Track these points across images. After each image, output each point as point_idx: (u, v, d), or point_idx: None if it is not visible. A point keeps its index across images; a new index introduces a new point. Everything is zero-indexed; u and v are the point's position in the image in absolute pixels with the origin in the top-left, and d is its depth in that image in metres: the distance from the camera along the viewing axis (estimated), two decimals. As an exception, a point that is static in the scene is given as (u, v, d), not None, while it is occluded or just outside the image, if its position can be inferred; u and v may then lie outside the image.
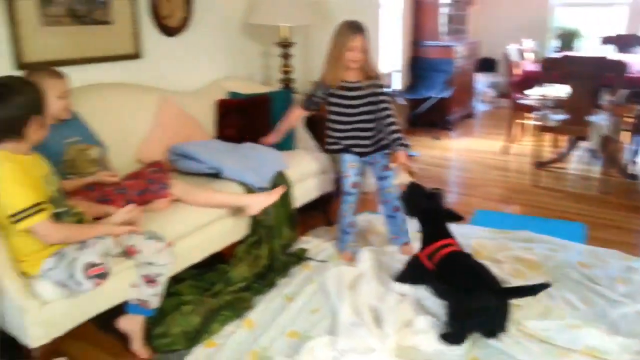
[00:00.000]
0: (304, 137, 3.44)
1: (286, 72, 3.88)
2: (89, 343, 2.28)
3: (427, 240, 2.55)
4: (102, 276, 1.95)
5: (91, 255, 1.93)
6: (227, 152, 2.91)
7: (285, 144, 3.30)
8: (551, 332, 2.28)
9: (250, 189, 2.74)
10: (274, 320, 2.41)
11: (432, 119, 6.14)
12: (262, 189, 2.77)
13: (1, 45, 2.47)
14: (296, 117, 3.14)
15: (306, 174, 3.20)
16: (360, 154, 2.95)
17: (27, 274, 1.91)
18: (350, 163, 2.93)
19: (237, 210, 2.68)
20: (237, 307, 2.46)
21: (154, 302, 2.15)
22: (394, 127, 2.85)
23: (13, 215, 1.79)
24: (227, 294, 2.52)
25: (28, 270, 1.90)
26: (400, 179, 2.84)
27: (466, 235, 3.22)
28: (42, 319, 1.87)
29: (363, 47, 2.75)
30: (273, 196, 2.73)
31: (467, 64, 6.68)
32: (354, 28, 2.75)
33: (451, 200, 4.07)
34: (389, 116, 2.86)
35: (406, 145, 2.84)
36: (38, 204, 1.81)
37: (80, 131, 2.48)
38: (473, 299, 2.18)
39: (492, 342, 2.24)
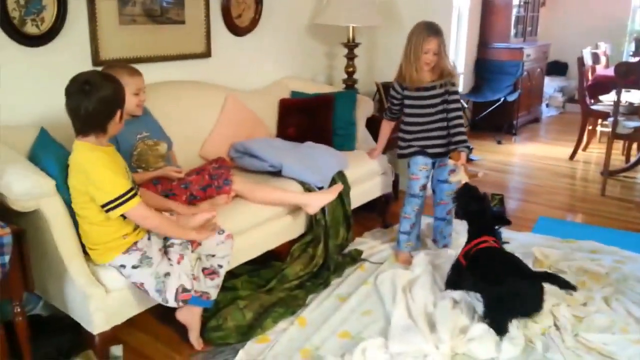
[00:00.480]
0: (364, 137, 3.45)
1: (350, 73, 3.90)
2: (146, 333, 2.37)
3: (468, 241, 2.58)
4: (187, 302, 2.06)
5: (185, 279, 2.04)
6: (288, 150, 2.95)
7: (346, 144, 3.32)
8: (613, 347, 2.19)
9: (309, 188, 2.77)
10: (326, 320, 2.42)
11: (496, 122, 5.99)
12: (321, 189, 2.80)
13: (82, 41, 2.61)
14: (388, 130, 3.15)
15: (365, 174, 3.21)
16: (433, 155, 2.92)
17: (94, 262, 2.01)
18: (421, 165, 2.92)
19: (295, 209, 2.72)
20: (291, 305, 2.50)
21: (214, 294, 2.21)
22: (460, 129, 2.83)
23: (110, 202, 1.86)
24: (281, 291, 2.57)
25: (96, 258, 2.00)
26: (457, 178, 2.81)
27: (528, 243, 3.15)
28: (105, 307, 1.95)
29: (439, 50, 2.72)
30: (331, 194, 2.75)
31: (536, 67, 6.48)
32: (430, 30, 2.72)
33: (513, 206, 3.97)
34: (458, 117, 2.84)
35: (469, 148, 2.85)
36: (132, 189, 1.90)
37: (150, 126, 2.58)
38: (503, 286, 2.25)
39: (550, 354, 2.18)
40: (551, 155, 5.36)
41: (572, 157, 5.19)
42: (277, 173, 2.80)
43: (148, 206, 1.99)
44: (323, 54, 4.13)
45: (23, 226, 1.89)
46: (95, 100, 1.83)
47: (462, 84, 6.04)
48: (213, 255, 2.19)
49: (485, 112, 5.93)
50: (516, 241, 3.18)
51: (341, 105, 3.36)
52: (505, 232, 3.25)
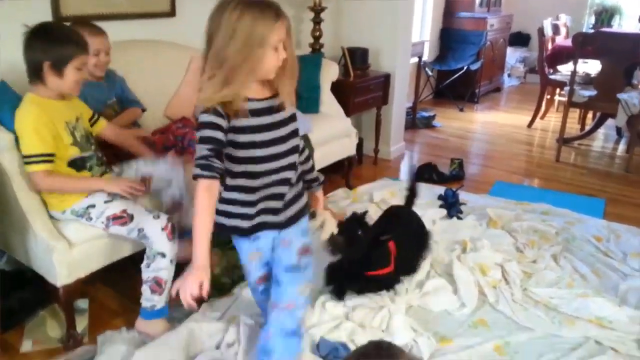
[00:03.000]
0: (329, 100, 3.49)
1: (316, 37, 3.90)
2: (113, 288, 2.41)
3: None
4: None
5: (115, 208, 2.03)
6: (252, 112, 2.97)
7: (311, 107, 3.36)
8: (559, 300, 2.33)
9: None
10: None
11: (459, 91, 6.10)
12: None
13: (41, -3, 2.56)
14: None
15: (329, 137, 3.26)
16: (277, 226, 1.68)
17: (56, 209, 2.01)
18: (256, 251, 1.70)
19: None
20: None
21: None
22: (312, 162, 1.90)
23: (24, 157, 1.90)
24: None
25: (57, 205, 2.01)
26: (326, 229, 1.94)
27: (483, 205, 3.27)
28: (68, 260, 1.97)
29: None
30: None
31: (499, 37, 6.59)
32: (273, 10, 1.54)
33: (472, 171, 4.10)
34: (304, 149, 1.84)
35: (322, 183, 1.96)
36: (43, 155, 1.90)
37: (119, 93, 2.57)
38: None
39: (499, 307, 2.31)
40: (510, 123, 5.52)
41: (530, 124, 5.35)
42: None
43: (55, 173, 1.95)
44: (290, 17, 4.10)
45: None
46: (26, 50, 1.88)
47: (428, 53, 6.11)
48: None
49: (448, 81, 6.03)
50: (473, 203, 3.32)
51: (306, 68, 3.38)
52: (463, 194, 3.41)
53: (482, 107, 6.22)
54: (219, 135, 1.48)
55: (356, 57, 3.87)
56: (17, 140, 1.95)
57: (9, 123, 1.96)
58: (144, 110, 2.66)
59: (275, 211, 1.65)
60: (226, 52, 1.45)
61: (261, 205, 1.62)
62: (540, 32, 5.21)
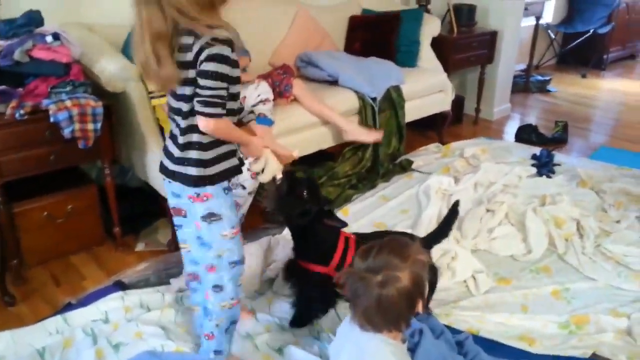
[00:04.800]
0: (428, 55, 3.56)
1: (424, -7, 3.95)
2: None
3: (325, 249, 1.87)
4: None
5: None
6: (348, 63, 3.17)
7: (408, 61, 3.48)
8: (632, 258, 2.31)
9: (363, 97, 2.99)
10: (367, 214, 2.72)
11: (584, 55, 5.75)
12: (374, 99, 3.01)
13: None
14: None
15: (421, 90, 3.36)
16: None
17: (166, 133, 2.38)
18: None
19: (349, 115, 2.96)
20: (339, 201, 2.81)
21: None
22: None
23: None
24: (330, 186, 2.87)
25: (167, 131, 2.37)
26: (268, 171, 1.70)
27: (576, 165, 3.20)
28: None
29: None
30: (370, 137, 2.88)
31: (639, -1, 6.06)
32: None
33: (577, 135, 3.95)
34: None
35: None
36: None
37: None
38: None
39: (567, 257, 2.34)
40: (636, 92, 5.13)
41: (659, 94, 4.95)
42: (335, 82, 3.05)
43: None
44: (399, -26, 4.20)
45: (116, 106, 2.31)
46: None
47: (553, 14, 5.82)
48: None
49: (572, 44, 5.71)
50: (568, 164, 3.26)
51: (407, 23, 3.49)
52: (561, 157, 3.35)
53: (611, 74, 5.82)
54: None
55: (462, 14, 3.88)
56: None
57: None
58: (250, 59, 2.95)
59: None
60: None
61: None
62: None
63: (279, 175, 1.73)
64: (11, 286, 2.19)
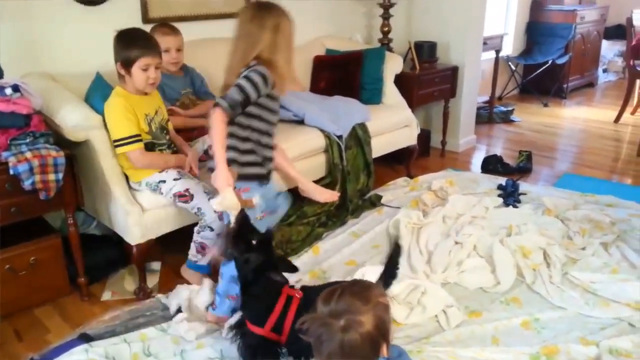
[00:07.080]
0: (392, 92, 3.64)
1: (385, 32, 4.07)
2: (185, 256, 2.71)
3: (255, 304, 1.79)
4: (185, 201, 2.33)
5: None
6: (314, 102, 3.22)
7: (373, 98, 3.55)
8: (599, 285, 2.33)
9: (329, 136, 3.02)
10: (338, 251, 2.71)
11: (545, 85, 5.95)
12: (340, 137, 3.05)
13: (133, 1, 2.98)
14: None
15: (387, 126, 3.42)
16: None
17: (133, 180, 2.37)
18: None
19: (315, 153, 2.99)
20: (309, 240, 2.81)
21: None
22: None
23: (115, 141, 2.24)
24: (300, 225, 2.87)
25: (134, 175, 2.36)
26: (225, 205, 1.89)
27: (541, 194, 3.27)
28: (141, 223, 2.32)
29: None
30: (324, 197, 2.76)
31: (592, 30, 6.33)
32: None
33: (541, 163, 4.05)
34: None
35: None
36: (134, 136, 2.24)
37: (195, 84, 2.93)
38: None
39: (535, 287, 2.36)
40: (597, 119, 5.31)
41: (617, 120, 5.12)
42: (301, 122, 3.08)
43: (147, 153, 2.31)
44: (361, 14, 4.32)
45: (79, 155, 2.29)
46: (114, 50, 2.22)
47: (512, 46, 6.02)
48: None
49: (533, 75, 5.90)
50: (534, 193, 3.32)
51: (370, 61, 3.57)
52: (526, 185, 3.42)
53: (571, 102, 6.02)
54: None
55: (423, 51, 3.99)
56: (104, 123, 2.33)
57: (99, 107, 2.35)
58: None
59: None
60: None
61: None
62: (629, 22, 4.99)
63: (235, 212, 1.78)
64: (-29, 344, 2.12)
